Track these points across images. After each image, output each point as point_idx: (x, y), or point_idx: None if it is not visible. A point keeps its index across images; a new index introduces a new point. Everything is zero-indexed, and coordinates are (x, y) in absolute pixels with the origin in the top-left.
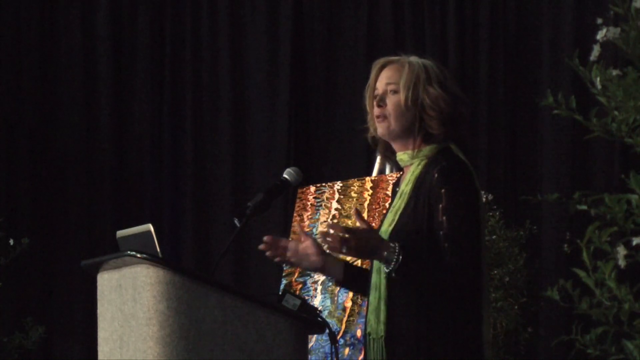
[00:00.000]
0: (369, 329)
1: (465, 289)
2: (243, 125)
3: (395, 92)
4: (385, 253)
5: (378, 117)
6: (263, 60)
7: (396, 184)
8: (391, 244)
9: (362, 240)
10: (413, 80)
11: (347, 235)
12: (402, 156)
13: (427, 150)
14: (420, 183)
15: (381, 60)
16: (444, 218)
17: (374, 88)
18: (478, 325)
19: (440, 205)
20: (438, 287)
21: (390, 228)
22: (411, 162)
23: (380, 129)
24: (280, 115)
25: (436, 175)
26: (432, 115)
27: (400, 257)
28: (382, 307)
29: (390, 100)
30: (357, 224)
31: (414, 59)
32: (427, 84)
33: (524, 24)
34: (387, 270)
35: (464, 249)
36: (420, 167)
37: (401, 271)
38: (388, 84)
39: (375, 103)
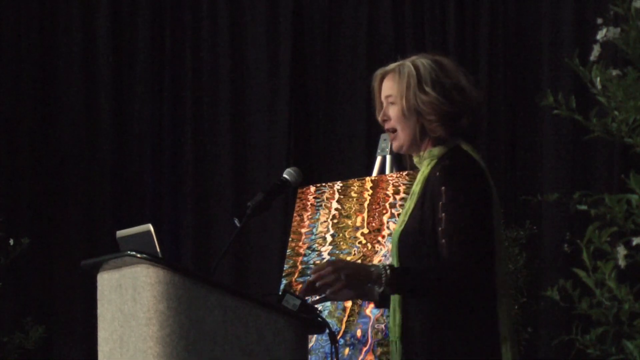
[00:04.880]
0: (389, 333)
1: (470, 286)
2: (243, 125)
3: (394, 103)
4: (373, 269)
5: (388, 131)
6: (263, 60)
7: None
8: (376, 264)
9: (349, 266)
10: (405, 89)
11: (335, 268)
12: (415, 159)
13: (436, 150)
14: (427, 183)
15: (379, 72)
16: (443, 215)
17: (380, 102)
18: (493, 323)
19: (440, 203)
20: (442, 288)
21: (400, 229)
22: (422, 163)
23: (394, 146)
24: (280, 115)
25: (438, 173)
26: (430, 120)
27: (389, 272)
28: (397, 309)
29: (392, 113)
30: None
31: (407, 62)
32: (418, 89)
33: (524, 23)
34: (379, 290)
35: (462, 246)
36: (429, 167)
37: (394, 285)
38: (387, 96)
39: (380, 120)
